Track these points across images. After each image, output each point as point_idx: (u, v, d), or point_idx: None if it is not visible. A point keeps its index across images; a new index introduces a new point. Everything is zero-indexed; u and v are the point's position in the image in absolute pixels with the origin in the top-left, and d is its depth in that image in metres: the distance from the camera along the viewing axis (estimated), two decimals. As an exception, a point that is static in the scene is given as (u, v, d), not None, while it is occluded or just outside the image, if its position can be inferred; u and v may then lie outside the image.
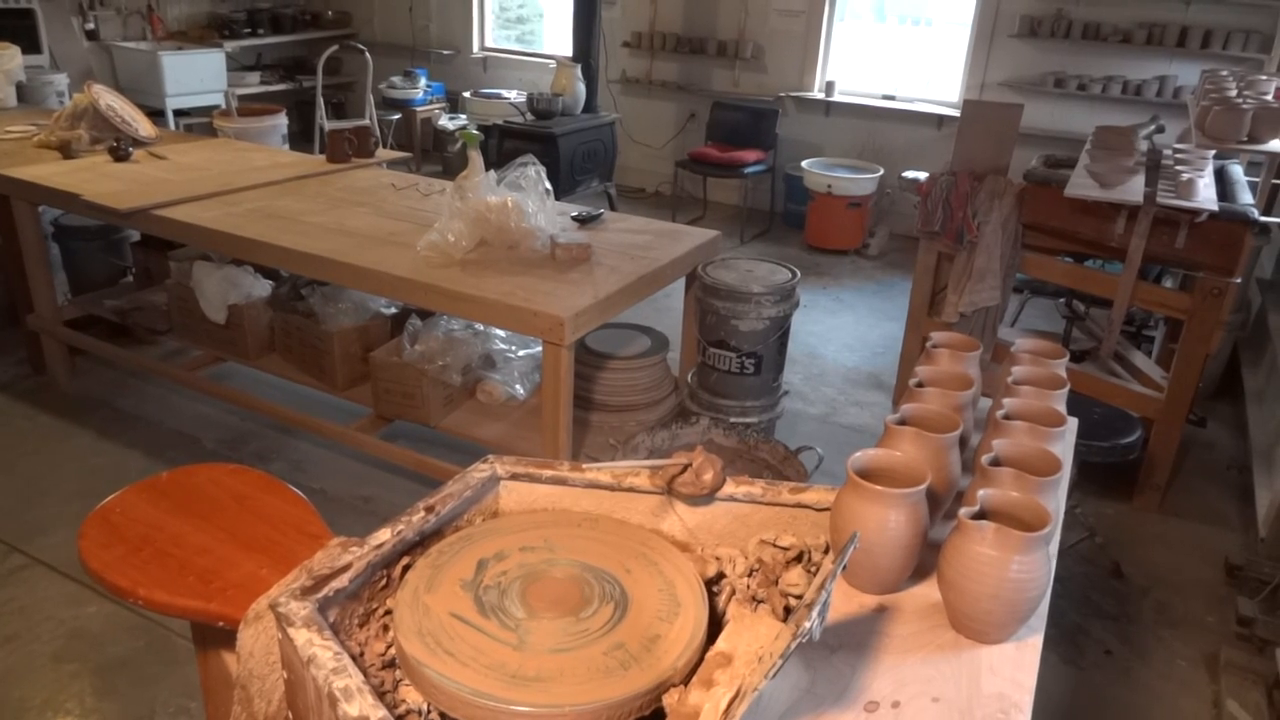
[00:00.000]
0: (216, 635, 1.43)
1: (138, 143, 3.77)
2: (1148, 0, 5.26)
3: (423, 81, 7.36)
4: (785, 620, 1.03)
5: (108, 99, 3.80)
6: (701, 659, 0.97)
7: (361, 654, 1.08)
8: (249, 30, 7.41)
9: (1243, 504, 3.29)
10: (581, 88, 6.01)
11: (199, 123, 6.56)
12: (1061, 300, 3.86)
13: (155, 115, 5.51)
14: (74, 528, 1.49)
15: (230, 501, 1.57)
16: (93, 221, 3.79)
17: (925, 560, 1.14)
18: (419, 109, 7.28)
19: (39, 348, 3.72)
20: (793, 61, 6.45)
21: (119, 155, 3.56)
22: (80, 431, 3.43)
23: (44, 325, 3.63)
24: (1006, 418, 1.29)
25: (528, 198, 2.74)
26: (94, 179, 3.28)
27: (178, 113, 6.65)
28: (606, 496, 1.28)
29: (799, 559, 1.20)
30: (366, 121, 6.23)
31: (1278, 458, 3.16)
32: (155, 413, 3.58)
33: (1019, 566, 1.01)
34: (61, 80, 6.04)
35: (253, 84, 7.27)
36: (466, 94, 7.29)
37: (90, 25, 6.65)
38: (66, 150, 3.61)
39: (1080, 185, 2.95)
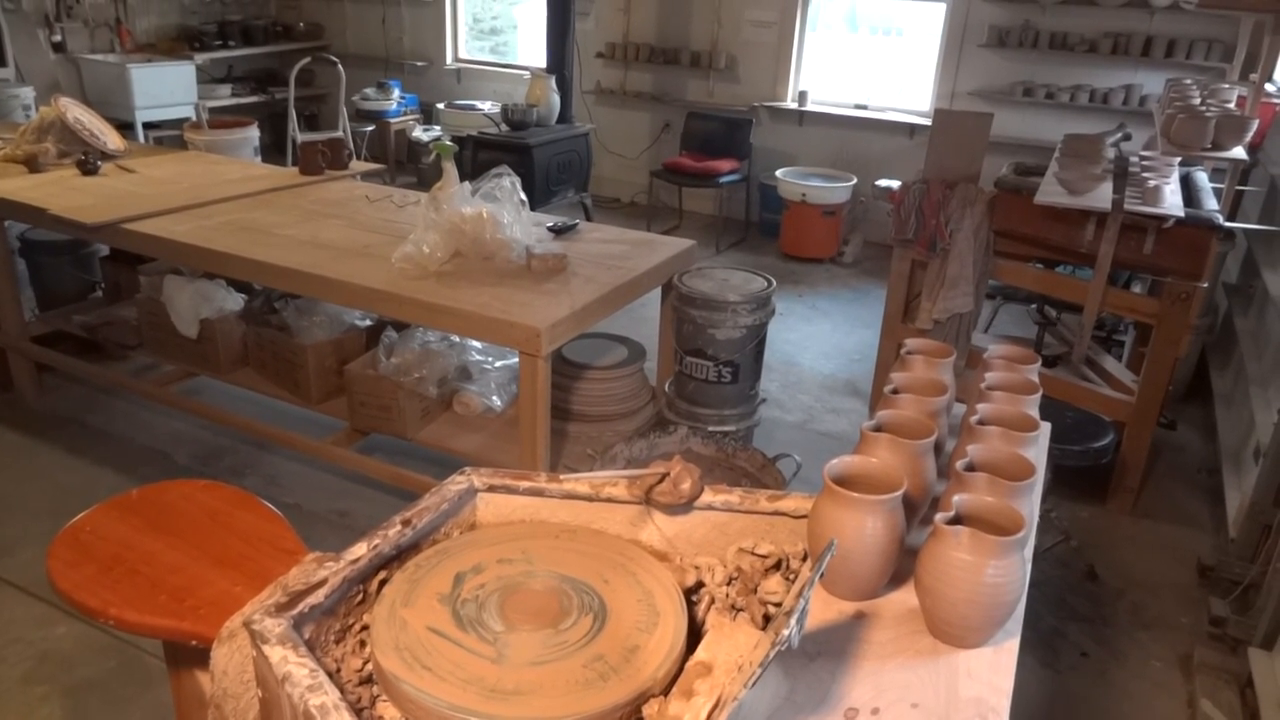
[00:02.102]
0: (190, 654, 1.41)
1: (106, 156, 3.72)
2: (1113, 10, 5.35)
3: (396, 93, 7.34)
4: (764, 628, 1.03)
5: (75, 112, 3.75)
6: (681, 669, 0.97)
7: (338, 670, 1.06)
8: (220, 42, 7.36)
9: (1213, 505, 3.33)
10: (556, 98, 6.02)
11: (169, 136, 6.49)
12: (1033, 306, 3.91)
13: (124, 128, 5.45)
14: (43, 547, 1.47)
15: (203, 518, 1.55)
16: (61, 236, 3.74)
17: (902, 566, 1.15)
18: (393, 121, 7.26)
19: (5, 364, 3.66)
20: (766, 72, 6.50)
21: (87, 169, 3.51)
22: (49, 449, 3.37)
23: (11, 342, 3.58)
24: (980, 423, 1.31)
25: (503, 209, 2.74)
26: (61, 193, 3.24)
27: (147, 126, 6.58)
28: (584, 507, 1.28)
29: (777, 567, 1.20)
30: (340, 133, 6.20)
31: (1247, 459, 3.21)
32: (126, 429, 3.53)
33: (994, 571, 1.01)
34: (28, 93, 5.96)
35: (224, 96, 7.22)
36: (440, 105, 7.27)
37: (57, 37, 6.58)
38: (33, 164, 3.56)
39: (1050, 192, 2.99)
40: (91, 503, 1.57)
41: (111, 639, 2.42)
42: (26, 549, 2.77)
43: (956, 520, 1.07)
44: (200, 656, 1.30)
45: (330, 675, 0.96)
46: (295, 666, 0.94)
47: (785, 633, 0.84)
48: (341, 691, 0.93)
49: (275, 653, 0.96)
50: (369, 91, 7.29)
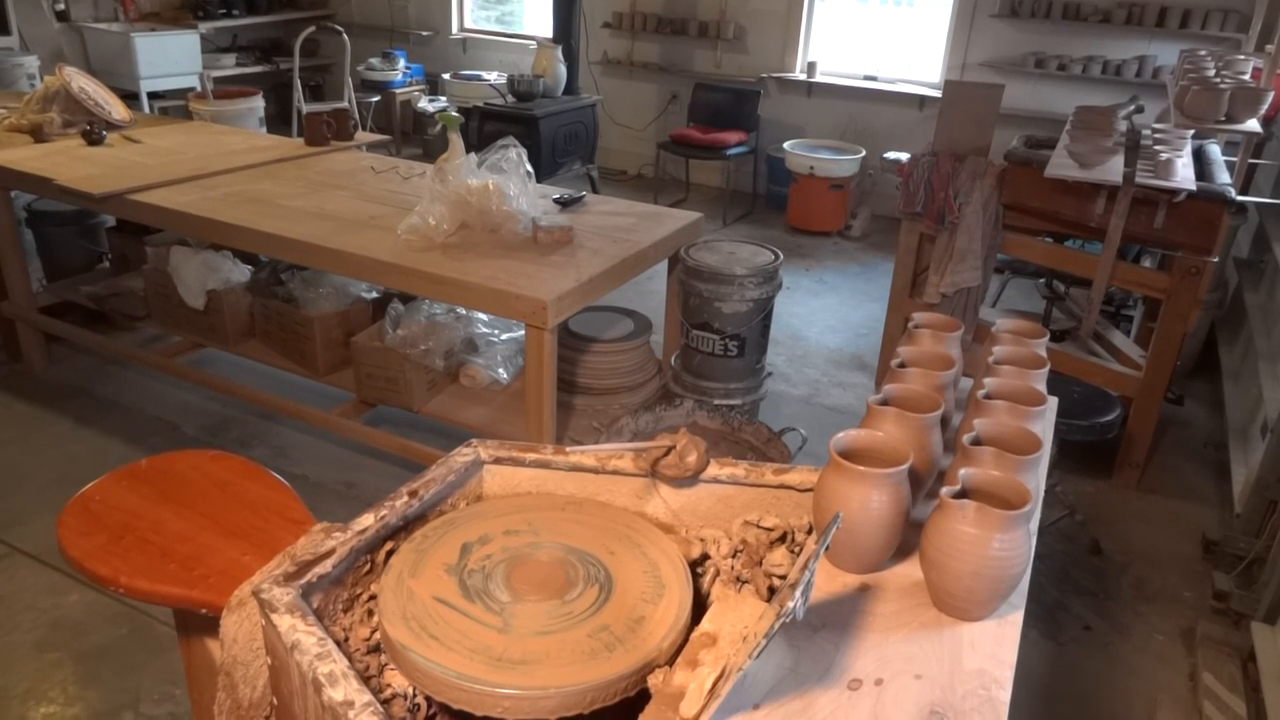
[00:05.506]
0: (199, 622, 1.42)
1: (111, 126, 3.71)
2: (1127, -20, 5.27)
3: (401, 63, 7.29)
4: (769, 600, 1.03)
5: (80, 81, 3.74)
6: (686, 640, 0.98)
7: (346, 639, 1.08)
8: (224, 11, 7.30)
9: (1219, 480, 3.33)
10: (562, 69, 5.97)
11: (174, 105, 6.47)
12: (1042, 280, 3.88)
13: (129, 98, 5.43)
14: (53, 516, 1.48)
15: (212, 488, 1.56)
16: (67, 206, 3.74)
17: (908, 539, 1.15)
18: (398, 91, 7.20)
19: (14, 335, 3.68)
20: (774, 42, 6.43)
21: (92, 139, 3.50)
22: (58, 419, 3.39)
23: (18, 312, 3.59)
24: (987, 397, 1.30)
25: (509, 180, 2.72)
26: (67, 163, 3.23)
27: (152, 95, 6.55)
28: (590, 479, 1.28)
29: (782, 540, 1.21)
30: (345, 104, 6.16)
31: (1253, 435, 3.20)
32: (134, 399, 3.55)
33: (1000, 544, 1.01)
34: (32, 62, 5.94)
35: (228, 66, 7.17)
36: (446, 76, 7.22)
37: (60, 6, 6.53)
38: (38, 134, 3.55)
39: (1060, 165, 2.96)
40: (101, 472, 1.57)
41: (122, 607, 2.44)
42: (37, 518, 2.80)
43: (963, 494, 1.07)
44: (210, 624, 1.31)
45: (338, 644, 0.97)
46: (304, 635, 0.95)
47: (790, 605, 0.84)
48: (349, 660, 0.94)
49: (284, 621, 0.97)
50: (374, 61, 7.23)
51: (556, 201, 3.02)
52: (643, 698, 0.93)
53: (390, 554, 1.14)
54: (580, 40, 6.22)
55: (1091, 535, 2.97)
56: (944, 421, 1.32)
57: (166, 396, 3.58)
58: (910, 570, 1.15)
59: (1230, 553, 2.80)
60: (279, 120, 6.92)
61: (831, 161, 5.86)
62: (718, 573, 1.18)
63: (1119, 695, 2.40)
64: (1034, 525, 1.21)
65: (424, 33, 7.70)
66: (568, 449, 1.28)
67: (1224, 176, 3.06)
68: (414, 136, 7.29)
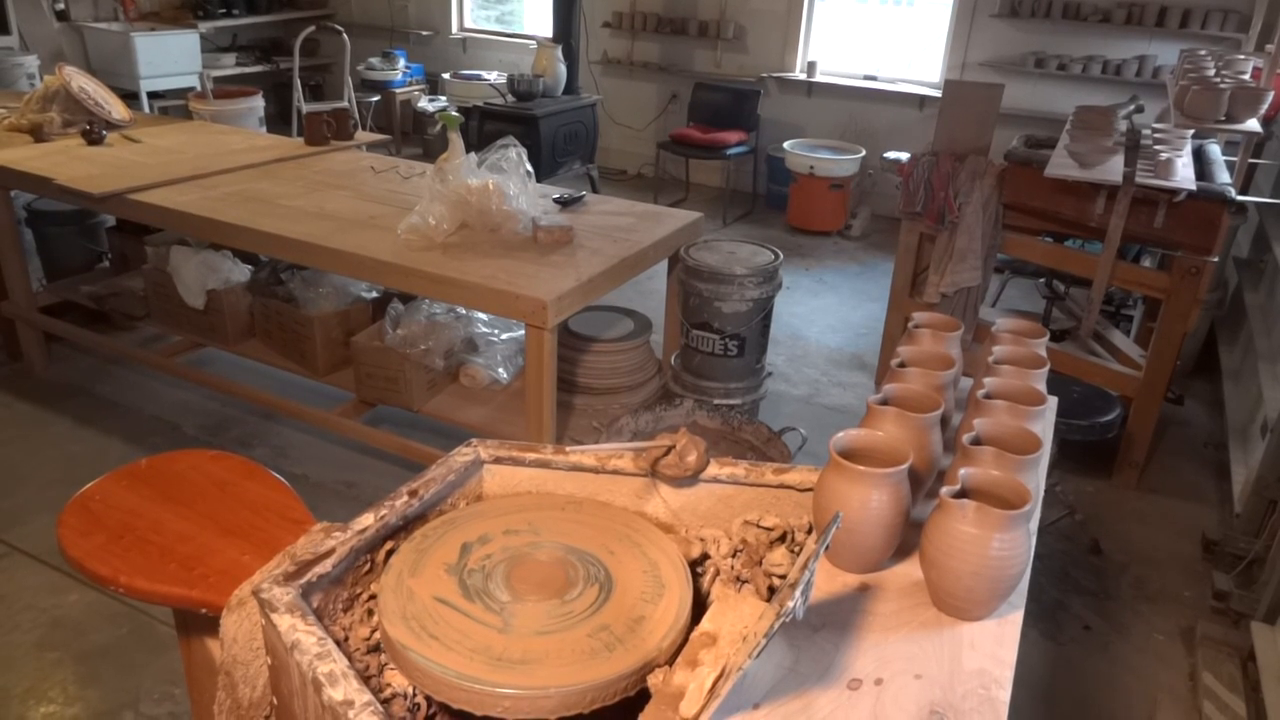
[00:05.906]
0: (199, 622, 1.42)
1: (111, 125, 3.71)
2: (1127, -20, 5.27)
3: (401, 63, 7.29)
4: (769, 600, 1.03)
5: (80, 81, 3.74)
6: (686, 639, 0.98)
7: (346, 639, 1.08)
8: (224, 10, 7.30)
9: (1219, 480, 3.33)
10: (562, 69, 5.97)
11: (174, 105, 6.47)
12: (1041, 280, 3.88)
13: (129, 97, 5.43)
14: (53, 515, 1.48)
15: (211, 488, 1.56)
16: (67, 206, 3.74)
17: (907, 539, 1.15)
18: (398, 91, 7.21)
19: (14, 335, 3.68)
20: (774, 42, 6.43)
21: (92, 138, 3.50)
22: (58, 419, 3.39)
23: (18, 312, 3.59)
24: (987, 397, 1.30)
25: (509, 180, 2.72)
26: (67, 162, 3.23)
27: (152, 95, 6.56)
28: (590, 479, 1.28)
29: (782, 539, 1.21)
30: (345, 104, 6.16)
31: (1253, 435, 3.20)
32: (134, 399, 3.55)
33: (1000, 544, 1.01)
34: (32, 62, 5.94)
35: (228, 65, 7.17)
36: (446, 75, 7.22)
37: (60, 5, 6.53)
38: (38, 134, 3.55)
39: (1060, 165, 2.96)
40: (101, 472, 1.57)
41: (122, 606, 2.44)
42: (37, 517, 2.79)
43: (963, 493, 1.07)
44: (210, 624, 1.31)
45: (338, 643, 0.97)
46: (303, 634, 0.95)
47: (790, 604, 0.84)
48: (349, 659, 0.94)
49: (283, 621, 0.97)
50: (374, 61, 7.24)
51: (556, 201, 3.02)
52: (643, 697, 0.93)
53: (390, 554, 1.14)
54: (580, 40, 6.22)
55: (1091, 535, 2.97)
56: (944, 421, 1.32)
57: (166, 396, 3.58)
58: (910, 570, 1.15)
59: (1230, 553, 2.80)
60: (279, 120, 6.92)
61: (831, 161, 5.86)
62: (718, 572, 1.18)
63: (1119, 695, 2.40)
64: (1034, 525, 1.21)
65: (424, 32, 7.70)
66: (568, 449, 1.28)
67: (1224, 176, 3.06)
68: (414, 136, 7.29)
